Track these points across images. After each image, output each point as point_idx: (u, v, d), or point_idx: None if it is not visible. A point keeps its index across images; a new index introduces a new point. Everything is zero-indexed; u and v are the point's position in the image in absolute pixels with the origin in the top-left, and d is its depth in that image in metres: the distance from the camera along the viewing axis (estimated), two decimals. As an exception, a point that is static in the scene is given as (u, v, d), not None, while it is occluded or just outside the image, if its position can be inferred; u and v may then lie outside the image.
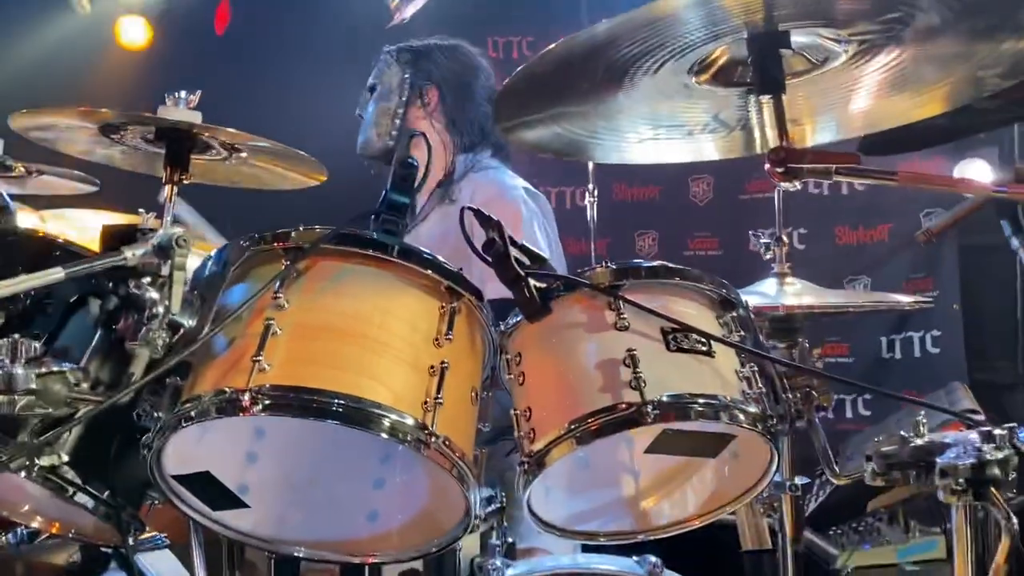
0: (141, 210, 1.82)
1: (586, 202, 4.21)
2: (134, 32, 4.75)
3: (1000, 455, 1.22)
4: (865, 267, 4.59)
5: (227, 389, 1.24)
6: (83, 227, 2.41)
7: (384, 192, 1.45)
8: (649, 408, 1.29)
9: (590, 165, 3.74)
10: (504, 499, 1.89)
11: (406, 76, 2.55)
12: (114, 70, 4.84)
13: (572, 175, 4.59)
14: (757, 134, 1.62)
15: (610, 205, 4.44)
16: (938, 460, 1.24)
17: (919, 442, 1.31)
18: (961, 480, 1.20)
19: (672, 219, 4.86)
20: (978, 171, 4.06)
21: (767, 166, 1.24)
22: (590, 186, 4.19)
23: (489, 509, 1.83)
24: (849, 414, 4.47)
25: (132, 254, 1.26)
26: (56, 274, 1.21)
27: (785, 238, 1.88)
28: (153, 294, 1.28)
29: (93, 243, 1.57)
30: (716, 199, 4.79)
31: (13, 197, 1.60)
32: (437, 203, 2.54)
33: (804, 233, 4.64)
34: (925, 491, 1.79)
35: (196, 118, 1.34)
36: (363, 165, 2.63)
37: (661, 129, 1.55)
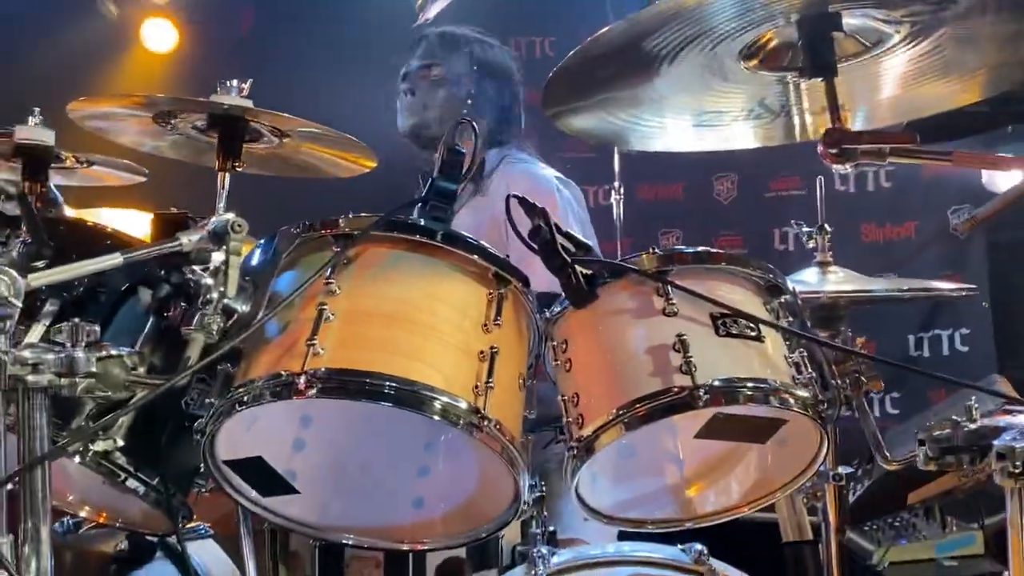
0: (173, 208, 1.85)
1: (612, 200, 4.23)
2: (160, 33, 4.80)
3: (1056, 439, 1.22)
4: (892, 264, 4.56)
5: (283, 373, 1.26)
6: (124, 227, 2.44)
7: (431, 179, 1.46)
8: (701, 392, 1.29)
9: (616, 163, 3.74)
10: (544, 488, 1.90)
11: (473, 67, 2.54)
12: (138, 73, 4.88)
13: (597, 173, 4.58)
14: (797, 121, 1.62)
15: (634, 204, 4.43)
16: (995, 443, 1.23)
17: (972, 426, 1.30)
18: (1019, 463, 1.19)
19: (697, 217, 4.85)
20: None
21: (820, 148, 1.24)
22: (616, 184, 4.21)
23: (531, 497, 1.85)
24: (877, 412, 4.43)
25: (188, 240, 1.27)
26: (115, 259, 1.23)
27: (828, 227, 1.87)
28: (208, 280, 1.29)
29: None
30: (740, 197, 4.79)
31: (62, 188, 1.62)
32: (468, 197, 2.54)
33: (830, 230, 4.63)
34: (968, 484, 1.79)
35: (248, 104, 1.35)
36: (396, 155, 2.61)
37: (705, 115, 1.55)
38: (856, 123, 1.61)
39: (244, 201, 1.42)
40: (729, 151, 1.69)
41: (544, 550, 1.62)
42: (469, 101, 2.49)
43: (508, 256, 1.43)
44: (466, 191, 2.51)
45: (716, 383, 1.31)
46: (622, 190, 4.23)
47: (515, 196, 1.49)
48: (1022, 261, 4.20)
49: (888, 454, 1.41)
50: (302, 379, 1.23)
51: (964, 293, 1.99)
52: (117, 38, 4.80)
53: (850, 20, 1.27)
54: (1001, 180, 4.02)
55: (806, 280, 1.85)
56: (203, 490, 1.56)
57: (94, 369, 1.21)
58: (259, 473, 1.42)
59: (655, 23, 1.24)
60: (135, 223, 2.47)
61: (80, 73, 4.56)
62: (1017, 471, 1.20)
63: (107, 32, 4.77)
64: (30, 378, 1.16)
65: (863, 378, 1.45)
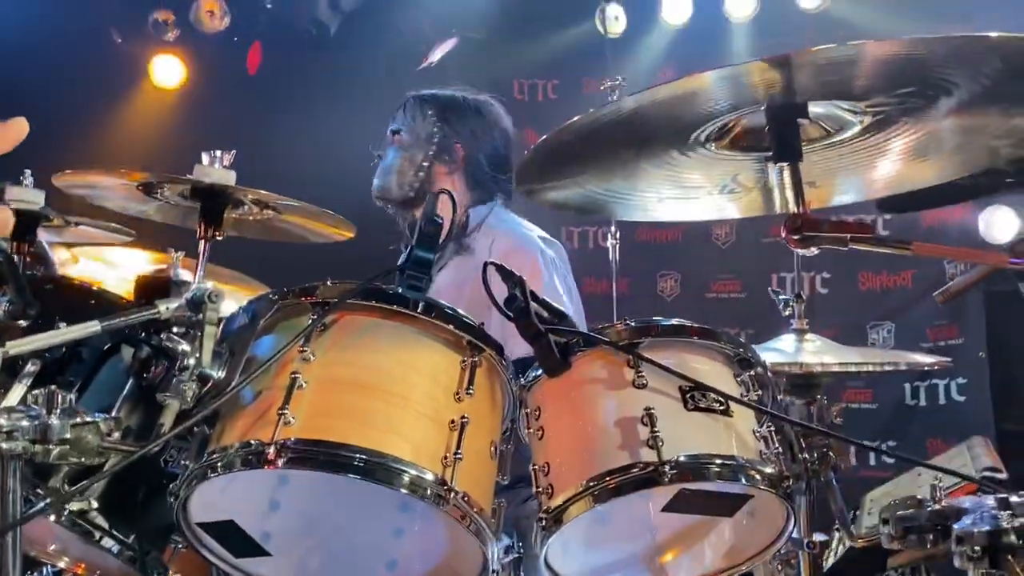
0: (171, 249, 1.88)
1: (608, 243, 4.26)
2: (168, 70, 4.88)
3: (1017, 523, 1.23)
4: (889, 313, 4.58)
5: (253, 442, 1.28)
6: (114, 263, 2.48)
7: (409, 248, 1.49)
8: (667, 468, 1.30)
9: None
10: (521, 548, 1.91)
11: (435, 131, 2.58)
12: (147, 108, 4.96)
13: (594, 216, 4.63)
14: (776, 194, 1.64)
15: (633, 245, 4.47)
16: (954, 527, 1.24)
17: (936, 507, 1.31)
18: (977, 547, 1.20)
19: (694, 261, 4.88)
20: (1003, 218, 4.06)
21: (783, 233, 1.27)
22: (612, 228, 4.24)
23: (507, 559, 1.86)
24: (872, 462, 4.43)
25: (166, 308, 1.30)
26: (93, 327, 1.26)
27: (804, 294, 1.89)
28: (184, 346, 1.32)
29: (124, 282, 1.62)
30: (738, 241, 4.82)
31: (52, 244, 1.65)
32: (452, 254, 2.55)
33: (827, 278, 4.65)
34: (946, 551, 1.78)
35: (230, 178, 1.39)
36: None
37: (681, 189, 1.58)
38: (845, 196, 1.64)
39: (234, 261, 1.46)
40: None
41: (516, 613, 1.63)
42: (426, 164, 2.53)
43: (486, 322, 1.45)
44: (448, 249, 2.53)
45: (683, 459, 1.33)
46: (618, 234, 4.28)
47: (491, 263, 1.51)
48: (1019, 311, 4.19)
49: (853, 531, 1.41)
50: (271, 449, 1.25)
51: (937, 367, 2.00)
52: (126, 73, 4.89)
53: (815, 108, 1.30)
54: (997, 230, 4.04)
55: (783, 348, 1.87)
56: (179, 546, 1.58)
57: (68, 436, 1.23)
58: (232, 535, 1.44)
59: (632, 110, 1.27)
60: (133, 260, 2.52)
61: (91, 106, 4.64)
62: (975, 555, 1.21)
63: (116, 67, 4.86)
64: (4, 445, 1.18)
65: (831, 453, 1.46)
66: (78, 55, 4.62)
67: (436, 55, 4.64)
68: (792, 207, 1.24)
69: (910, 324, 4.51)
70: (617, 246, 4.28)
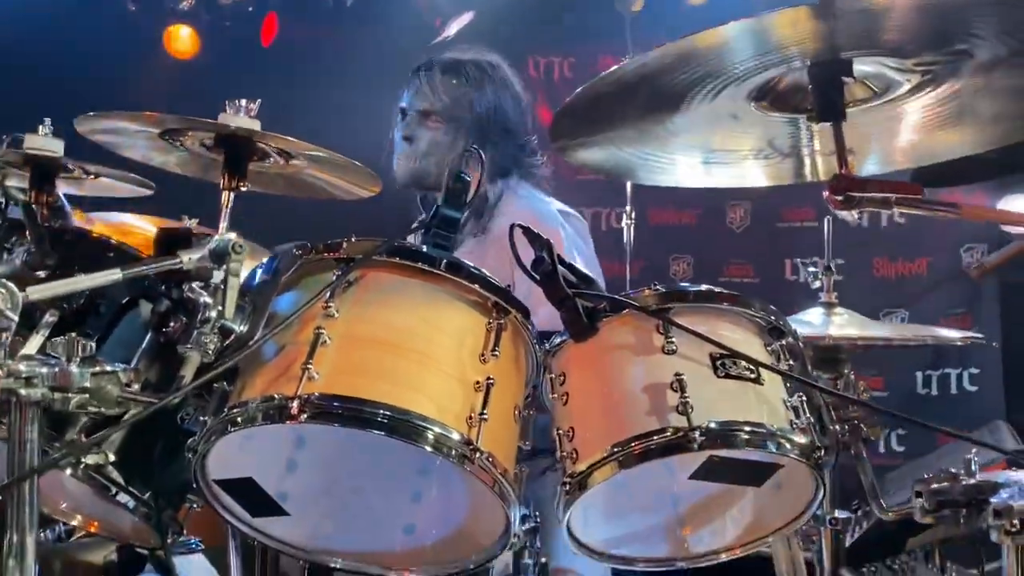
0: (185, 216, 1.85)
1: (623, 224, 4.22)
2: (182, 40, 4.84)
3: (1055, 498, 1.20)
4: (903, 300, 4.54)
5: (276, 396, 1.25)
6: (128, 232, 2.45)
7: (435, 206, 1.46)
8: (696, 434, 1.28)
9: (628, 187, 3.74)
10: (538, 518, 1.88)
11: (476, 110, 2.36)
12: (160, 77, 4.92)
13: (609, 197, 4.59)
14: (808, 162, 1.61)
15: (647, 228, 4.43)
16: (992, 500, 1.21)
17: (971, 481, 1.29)
18: (1016, 521, 1.18)
19: (708, 244, 4.84)
20: (1022, 207, 4.02)
21: (826, 193, 1.23)
22: (627, 208, 4.20)
23: (524, 528, 1.83)
24: (882, 449, 4.41)
25: (188, 258, 1.27)
26: (114, 275, 1.23)
27: (834, 267, 1.86)
28: (206, 298, 1.29)
29: (140, 248, 1.60)
30: (753, 226, 4.78)
31: (71, 198, 1.63)
32: (469, 234, 2.47)
33: (841, 264, 4.57)
34: (966, 531, 1.76)
35: (256, 126, 1.36)
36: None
37: (713, 153, 1.54)
38: (868, 167, 1.60)
39: (251, 217, 1.43)
40: (743, 180, 1.67)
41: (533, 582, 1.60)
42: (471, 140, 2.38)
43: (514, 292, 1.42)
44: (468, 226, 2.45)
45: (713, 425, 1.30)
46: (633, 214, 4.24)
47: (519, 225, 1.48)
48: (1035, 302, 4.16)
49: (884, 504, 1.39)
50: (295, 403, 1.23)
51: (970, 341, 1.97)
52: (140, 43, 4.85)
53: (861, 67, 1.27)
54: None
55: (810, 321, 1.84)
56: (194, 506, 1.56)
57: (88, 384, 1.21)
58: (250, 493, 1.42)
59: (667, 63, 1.24)
60: (145, 229, 2.49)
61: (103, 75, 4.61)
62: (1014, 529, 1.18)
63: (130, 35, 4.82)
64: (23, 391, 1.16)
65: (862, 425, 1.43)
66: (92, 23, 4.58)
67: (452, 29, 4.59)
68: (825, 169, 1.20)
69: (924, 312, 4.47)
70: (631, 227, 4.25)
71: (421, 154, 2.44)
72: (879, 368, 4.43)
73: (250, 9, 4.82)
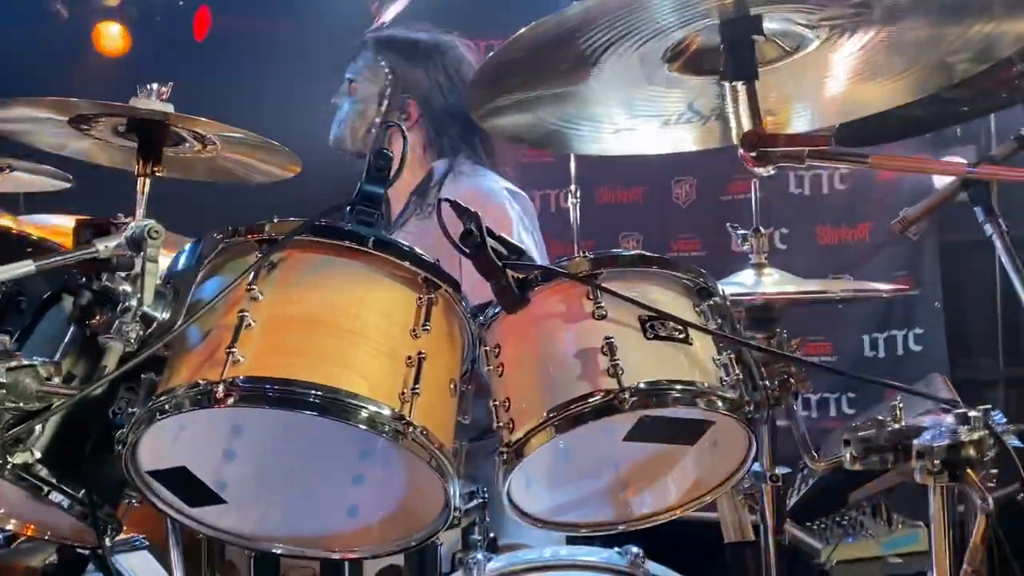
0: (120, 215, 1.81)
1: (569, 204, 4.23)
2: (112, 37, 4.74)
3: (975, 436, 1.23)
4: (847, 266, 4.61)
5: (201, 381, 1.23)
6: (61, 232, 2.40)
7: (359, 184, 1.44)
8: (627, 395, 1.29)
9: (572, 167, 3.75)
10: (486, 494, 1.89)
11: (387, 87, 2.49)
12: (90, 76, 4.81)
13: (556, 178, 4.59)
14: (733, 124, 1.62)
15: (594, 208, 4.45)
16: (915, 442, 1.24)
17: (896, 426, 1.32)
18: (937, 461, 1.21)
19: (655, 221, 4.88)
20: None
21: (740, 151, 1.25)
22: (572, 187, 4.22)
23: (470, 504, 1.84)
24: (833, 412, 4.50)
25: (104, 247, 1.25)
26: (27, 267, 1.20)
27: (763, 229, 1.88)
28: (126, 287, 1.27)
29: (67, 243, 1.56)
30: (698, 200, 4.83)
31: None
32: (413, 213, 2.49)
33: (785, 233, 4.66)
34: (904, 479, 1.81)
35: (168, 109, 1.33)
36: (340, 159, 2.58)
37: (638, 118, 1.55)
38: (799, 124, 1.62)
39: (171, 205, 1.40)
40: (686, 154, 1.68)
41: (480, 556, 1.61)
42: (377, 120, 2.45)
43: (460, 273, 1.42)
44: (411, 205, 2.46)
45: (643, 385, 1.31)
46: (579, 194, 4.25)
47: (446, 200, 1.48)
48: (973, 261, 4.27)
49: (815, 454, 1.41)
50: (220, 387, 1.22)
51: (900, 293, 2.01)
52: (68, 41, 4.74)
53: (770, 24, 1.28)
54: (950, 181, 4.10)
55: (743, 282, 1.86)
56: (133, 501, 1.53)
57: (4, 380, 1.18)
58: (186, 483, 1.40)
59: (578, 22, 1.24)
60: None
61: (32, 74, 4.49)
62: (935, 469, 1.22)
63: (58, 34, 4.70)
64: (-63, 389, 1.13)
65: (791, 379, 1.45)
66: (17, 22, 4.46)
67: (388, 14, 4.54)
68: (748, 127, 1.22)
69: (868, 276, 4.53)
70: (578, 206, 4.26)
71: (339, 121, 2.54)
72: (827, 334, 4.51)
73: (180, 3, 4.73)
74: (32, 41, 4.51)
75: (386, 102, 2.49)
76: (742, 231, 1.89)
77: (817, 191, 4.62)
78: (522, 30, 1.21)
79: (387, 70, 2.51)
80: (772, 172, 1.27)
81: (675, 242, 4.85)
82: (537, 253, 2.47)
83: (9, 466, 1.34)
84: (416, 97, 2.52)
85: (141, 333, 1.26)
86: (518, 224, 2.44)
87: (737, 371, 1.39)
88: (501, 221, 2.37)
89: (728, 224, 1.90)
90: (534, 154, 3.83)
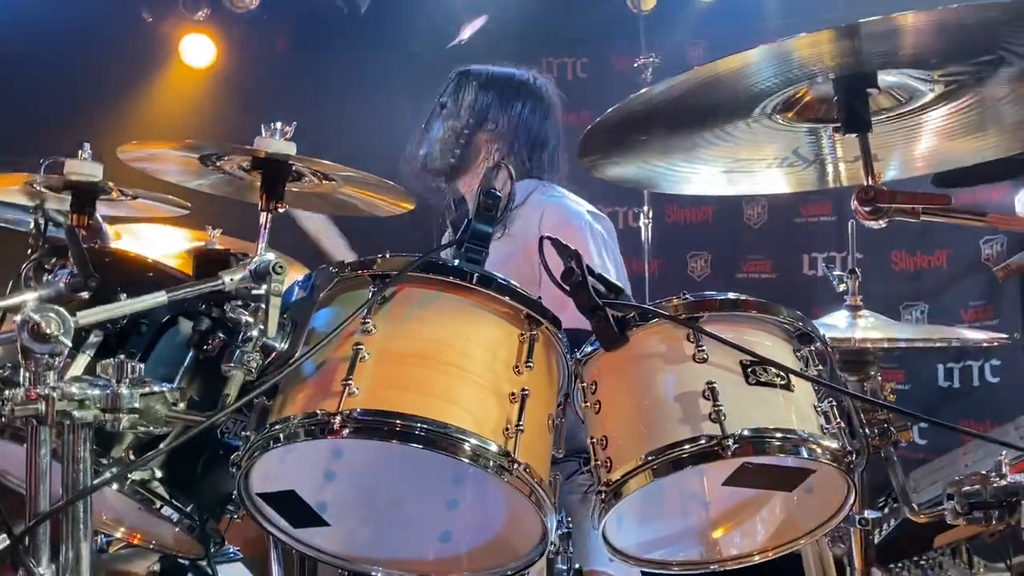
0: (208, 227, 1.89)
1: (640, 223, 4.23)
2: (199, 49, 4.87)
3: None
4: (923, 293, 4.52)
5: (318, 412, 1.28)
6: (151, 241, 2.50)
7: (468, 221, 1.48)
8: (729, 442, 1.30)
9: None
10: (570, 523, 1.90)
11: (476, 99, 2.57)
12: (179, 88, 4.96)
13: (626, 196, 4.60)
14: (830, 168, 1.62)
15: (663, 226, 4.44)
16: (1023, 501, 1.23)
17: (1002, 483, 1.30)
18: (1048, 523, 1.19)
19: (725, 241, 4.84)
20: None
21: (854, 204, 1.25)
22: (644, 207, 4.22)
23: (558, 533, 1.85)
24: (903, 443, 4.41)
25: (230, 279, 1.31)
26: (160, 298, 1.26)
27: (858, 271, 1.87)
28: (248, 317, 1.32)
29: (165, 258, 1.63)
30: (770, 222, 4.77)
31: (107, 219, 1.66)
32: (498, 231, 2.53)
33: (860, 258, 4.59)
34: (996, 528, 1.77)
35: (291, 149, 1.39)
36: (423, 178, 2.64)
37: (738, 163, 1.56)
38: (889, 172, 1.62)
39: (285, 232, 1.46)
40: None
41: (568, 587, 1.63)
42: (467, 132, 2.52)
43: (540, 295, 1.45)
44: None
45: (745, 433, 1.32)
46: (651, 213, 4.25)
47: (548, 237, 1.51)
48: (1055, 292, 4.14)
49: (915, 506, 1.40)
50: (337, 419, 1.26)
51: (996, 344, 1.98)
52: (156, 52, 4.89)
53: (886, 78, 1.28)
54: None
55: (836, 324, 1.85)
56: (235, 517, 1.60)
57: (137, 405, 1.24)
58: (291, 505, 1.45)
59: (692, 87, 1.26)
60: (170, 238, 2.54)
61: (120, 86, 4.66)
62: (1045, 532, 1.20)
63: (147, 46, 4.86)
64: (76, 413, 1.19)
65: (891, 428, 1.45)
66: (108, 34, 4.62)
67: (466, 33, 4.62)
68: (862, 173, 1.22)
69: (944, 304, 4.45)
70: (649, 226, 4.26)
71: (429, 141, 2.60)
72: (900, 362, 4.42)
73: (265, 17, 4.85)
74: (120, 52, 4.67)
75: (475, 114, 2.54)
76: (837, 272, 1.87)
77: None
78: (643, 90, 1.23)
79: (476, 86, 2.57)
80: (883, 225, 1.26)
81: (745, 263, 4.81)
82: (618, 275, 2.49)
83: (129, 482, 1.41)
84: (503, 116, 2.57)
85: (261, 362, 1.31)
86: (599, 247, 2.46)
87: (838, 418, 1.39)
88: (581, 244, 2.39)
89: (823, 264, 1.89)
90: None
